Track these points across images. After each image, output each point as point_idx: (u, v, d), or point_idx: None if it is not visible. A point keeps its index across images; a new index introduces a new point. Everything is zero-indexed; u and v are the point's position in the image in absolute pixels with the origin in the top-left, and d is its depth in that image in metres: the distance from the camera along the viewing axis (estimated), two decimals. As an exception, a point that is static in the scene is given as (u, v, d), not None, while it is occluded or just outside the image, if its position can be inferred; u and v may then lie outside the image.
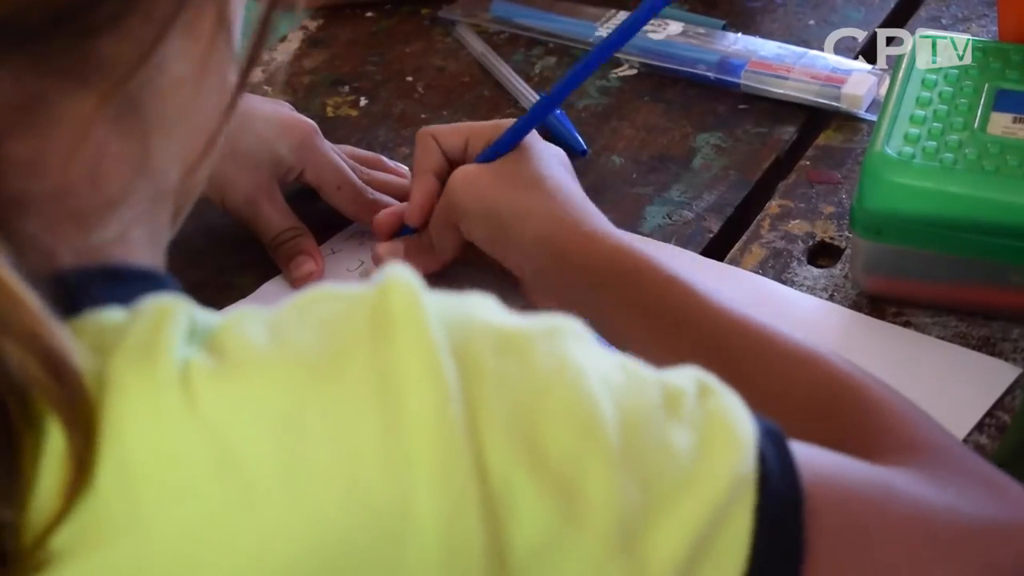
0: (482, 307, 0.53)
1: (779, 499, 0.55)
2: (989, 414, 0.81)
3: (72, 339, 0.48)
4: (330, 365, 0.49)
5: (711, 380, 0.56)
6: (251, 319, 0.51)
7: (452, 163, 0.90)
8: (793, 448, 0.57)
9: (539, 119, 0.89)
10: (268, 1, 0.57)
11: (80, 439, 0.47)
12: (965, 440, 0.79)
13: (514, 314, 0.53)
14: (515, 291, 0.88)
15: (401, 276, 0.51)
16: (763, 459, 0.54)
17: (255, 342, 0.50)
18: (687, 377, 0.56)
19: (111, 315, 0.51)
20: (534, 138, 0.89)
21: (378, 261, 0.91)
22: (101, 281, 0.53)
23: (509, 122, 0.89)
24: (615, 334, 0.83)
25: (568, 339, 0.53)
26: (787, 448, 0.56)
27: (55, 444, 0.47)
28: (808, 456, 0.57)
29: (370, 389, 0.49)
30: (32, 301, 0.47)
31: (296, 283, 0.93)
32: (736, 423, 0.55)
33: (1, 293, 0.47)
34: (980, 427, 0.80)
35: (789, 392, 0.72)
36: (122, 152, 0.55)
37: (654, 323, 0.79)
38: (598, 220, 0.84)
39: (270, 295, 0.92)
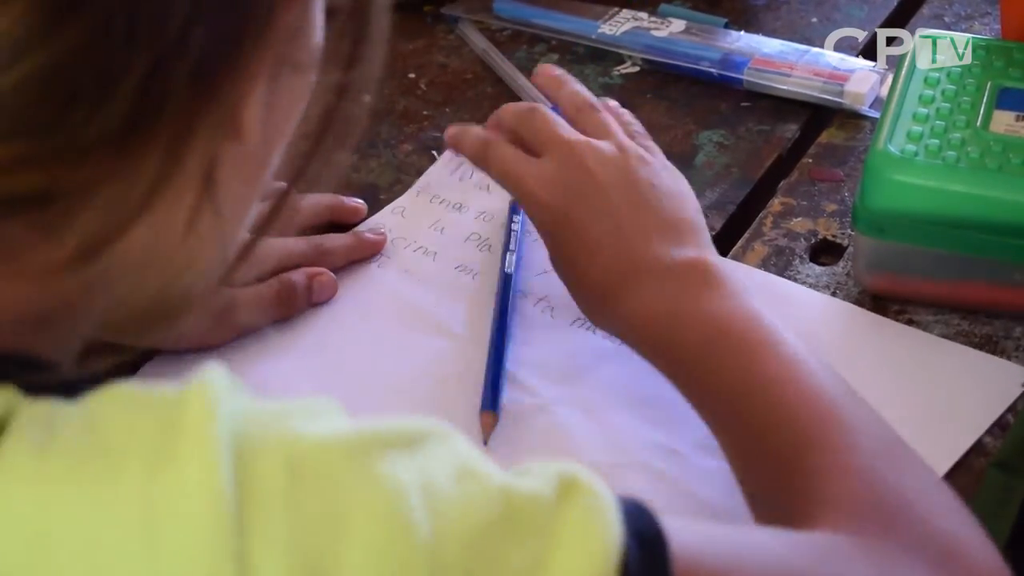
0: (303, 416, 0.48)
1: None
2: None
3: None
4: (97, 475, 0.45)
5: (578, 477, 0.51)
6: (42, 413, 0.47)
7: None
8: (672, 548, 0.51)
9: None
10: (291, 177, 0.54)
11: None
12: (967, 438, 0.79)
13: (360, 421, 0.49)
14: None
15: (209, 384, 0.47)
16: (626, 569, 0.49)
17: (26, 438, 0.46)
18: (547, 477, 0.50)
19: None
20: None
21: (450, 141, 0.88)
22: None
23: None
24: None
25: (408, 449, 0.48)
26: (660, 552, 0.51)
27: None
28: (690, 554, 0.52)
29: (137, 514, 0.45)
30: None
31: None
32: (594, 529, 0.49)
33: None
34: (982, 425, 0.80)
35: (766, 446, 0.68)
36: (50, 292, 0.51)
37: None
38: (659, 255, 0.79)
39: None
